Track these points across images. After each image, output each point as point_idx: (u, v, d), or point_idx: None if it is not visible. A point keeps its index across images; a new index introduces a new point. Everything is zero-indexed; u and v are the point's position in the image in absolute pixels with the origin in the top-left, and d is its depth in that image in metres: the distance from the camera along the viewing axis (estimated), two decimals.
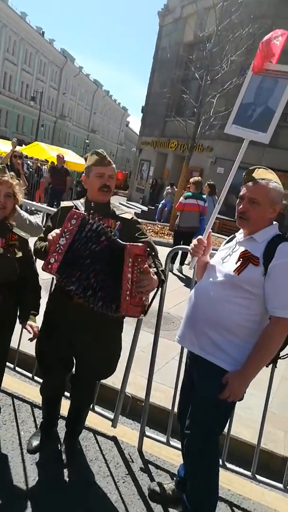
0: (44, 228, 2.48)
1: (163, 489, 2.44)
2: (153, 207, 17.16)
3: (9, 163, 6.11)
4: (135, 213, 15.80)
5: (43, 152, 17.34)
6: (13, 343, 2.84)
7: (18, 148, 8.38)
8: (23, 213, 2.87)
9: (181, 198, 7.73)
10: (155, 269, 2.13)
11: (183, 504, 2.20)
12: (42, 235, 2.36)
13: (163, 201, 15.98)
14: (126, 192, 28.18)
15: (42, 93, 41.43)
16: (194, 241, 2.27)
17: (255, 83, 2.21)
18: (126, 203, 22.69)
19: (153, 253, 2.14)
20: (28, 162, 12.88)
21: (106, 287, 2.04)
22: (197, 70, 13.89)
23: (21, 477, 2.36)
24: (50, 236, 2.08)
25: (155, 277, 2.05)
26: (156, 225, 13.05)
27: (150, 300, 2.10)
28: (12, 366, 3.21)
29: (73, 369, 2.56)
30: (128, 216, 2.33)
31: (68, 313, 2.25)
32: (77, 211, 2.10)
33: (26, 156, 13.53)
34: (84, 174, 2.33)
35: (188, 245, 2.36)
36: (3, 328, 2.29)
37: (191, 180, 7.75)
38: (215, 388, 2.00)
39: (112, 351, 2.43)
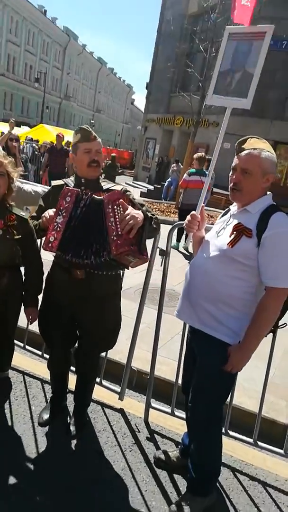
0: None
1: (168, 457, 2.55)
2: (159, 186, 16.99)
3: (4, 146, 5.90)
4: (141, 192, 15.78)
5: (49, 134, 17.23)
6: (22, 323, 2.95)
7: (16, 131, 8.05)
8: (26, 186, 2.88)
9: (185, 175, 7.70)
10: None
11: (188, 470, 2.30)
12: (34, 214, 2.42)
13: (169, 179, 15.84)
14: (132, 171, 27.93)
15: (46, 73, 40.89)
16: (188, 217, 2.30)
17: (230, 49, 2.18)
18: (133, 182, 22.52)
19: (132, 198, 2.17)
20: (34, 145, 12.80)
21: (96, 242, 2.09)
22: (202, 42, 13.54)
23: (33, 448, 2.49)
24: (45, 215, 2.15)
25: (139, 213, 2.08)
26: (162, 203, 13.00)
27: (142, 238, 2.12)
28: (21, 344, 3.33)
29: (76, 344, 2.65)
30: (118, 187, 2.34)
31: (68, 289, 2.33)
32: (70, 188, 2.16)
33: (31, 139, 13.49)
34: (71, 152, 2.34)
35: None
36: (9, 309, 2.37)
37: (194, 156, 7.70)
38: (216, 360, 2.05)
39: (112, 323, 2.52)
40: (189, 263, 2.34)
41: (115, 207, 2.06)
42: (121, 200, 2.07)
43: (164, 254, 2.78)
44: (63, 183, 2.38)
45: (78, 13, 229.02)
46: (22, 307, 2.58)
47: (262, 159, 1.92)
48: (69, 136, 11.80)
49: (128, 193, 2.24)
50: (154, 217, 2.24)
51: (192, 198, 7.23)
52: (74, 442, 2.61)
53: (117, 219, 2.04)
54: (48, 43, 52.56)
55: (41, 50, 51.41)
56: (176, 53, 19.65)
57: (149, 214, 2.19)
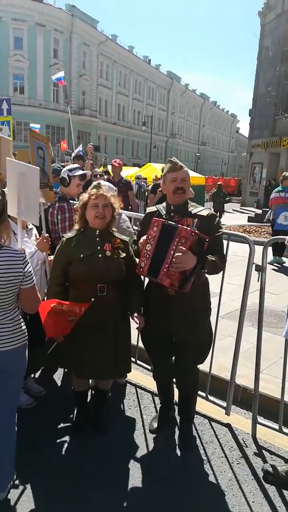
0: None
1: (276, 471, 2.53)
2: (268, 209, 16.54)
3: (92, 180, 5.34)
4: (248, 217, 15.55)
5: (156, 171, 18.32)
6: (133, 340, 3.26)
7: (126, 171, 7.09)
8: (127, 224, 3.29)
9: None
10: (212, 258, 2.39)
11: None
12: (135, 238, 2.75)
13: None
14: (240, 198, 27.68)
15: (152, 117, 43.71)
16: None
17: None
18: (240, 208, 22.36)
19: (204, 243, 2.33)
20: (142, 182, 13.80)
21: (157, 260, 2.38)
22: None
23: (145, 451, 2.72)
24: (140, 241, 2.50)
25: (191, 258, 2.28)
26: (269, 226, 12.61)
27: (188, 278, 2.34)
28: (133, 360, 3.64)
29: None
30: (204, 212, 2.54)
31: (161, 305, 2.57)
32: (157, 219, 2.44)
33: (140, 177, 14.52)
34: (162, 182, 2.64)
35: None
36: (119, 320, 2.67)
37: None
38: None
39: (204, 337, 2.68)
40: None
41: (181, 241, 2.29)
42: (185, 236, 2.29)
43: (260, 269, 2.86)
44: (156, 209, 2.67)
45: (180, 56, 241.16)
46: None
47: None
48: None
49: (215, 219, 2.49)
50: (211, 260, 2.39)
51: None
52: (181, 449, 2.76)
53: (175, 253, 2.29)
54: (153, 89, 56.37)
55: (147, 96, 55.37)
56: (278, 77, 19.49)
57: (210, 258, 2.38)
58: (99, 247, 2.55)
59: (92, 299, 2.49)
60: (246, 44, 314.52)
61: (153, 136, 44.14)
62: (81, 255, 2.49)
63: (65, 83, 10.44)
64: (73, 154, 9.15)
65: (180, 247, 2.29)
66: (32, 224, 3.02)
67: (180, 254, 2.28)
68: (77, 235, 2.61)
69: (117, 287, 2.60)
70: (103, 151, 45.29)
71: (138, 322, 2.62)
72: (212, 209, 14.44)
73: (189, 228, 2.33)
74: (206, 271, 2.48)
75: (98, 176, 5.55)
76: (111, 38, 45.47)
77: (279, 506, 2.35)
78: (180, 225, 2.35)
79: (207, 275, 2.65)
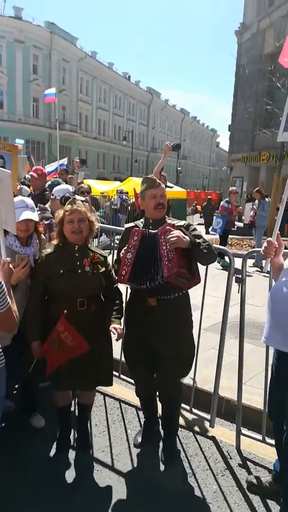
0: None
1: (260, 482, 2.56)
2: (249, 222, 16.88)
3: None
4: (231, 230, 15.76)
5: (137, 185, 18.46)
6: (116, 354, 3.26)
7: (108, 186, 6.84)
8: None
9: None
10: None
11: (282, 498, 2.29)
12: (116, 257, 2.78)
13: None
14: None
15: (132, 131, 44.23)
16: (265, 243, 2.45)
17: None
18: None
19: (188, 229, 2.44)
20: (124, 196, 13.88)
21: (152, 269, 2.41)
22: (279, 79, 13.75)
23: (129, 466, 2.71)
24: (122, 252, 2.55)
25: (185, 236, 2.34)
26: (251, 239, 12.85)
27: (192, 262, 2.38)
28: (117, 374, 3.63)
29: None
30: (181, 223, 2.63)
31: (143, 316, 2.60)
32: (137, 228, 2.53)
33: (122, 191, 14.59)
34: (140, 198, 2.71)
35: None
36: (101, 334, 2.67)
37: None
38: None
39: (184, 349, 2.70)
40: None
41: (165, 236, 2.37)
42: (169, 227, 2.38)
43: (240, 281, 2.92)
44: (133, 224, 2.75)
45: (160, 72, 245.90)
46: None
47: None
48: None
49: (191, 226, 2.52)
50: (205, 243, 2.46)
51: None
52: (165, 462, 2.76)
53: (168, 246, 2.34)
54: (133, 104, 57.16)
55: (128, 111, 56.05)
56: (255, 94, 20.07)
57: (200, 241, 2.43)
58: (78, 263, 2.58)
59: (65, 311, 2.48)
60: (224, 61, 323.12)
61: (134, 150, 44.59)
62: (61, 271, 2.50)
63: (56, 100, 10.42)
64: (55, 166, 9.14)
65: (166, 237, 2.36)
66: None
67: (173, 236, 2.33)
68: (56, 251, 2.63)
69: (97, 301, 2.63)
70: (83, 165, 45.53)
71: (115, 332, 2.63)
72: (203, 220, 14.39)
73: (165, 224, 2.43)
74: (205, 250, 2.45)
75: (86, 193, 5.52)
76: (90, 55, 46.05)
77: None
78: (158, 229, 2.45)
79: (188, 290, 2.67)
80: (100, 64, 48.48)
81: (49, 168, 9.54)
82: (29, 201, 2.89)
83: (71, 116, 43.87)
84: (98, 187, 17.04)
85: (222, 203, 9.68)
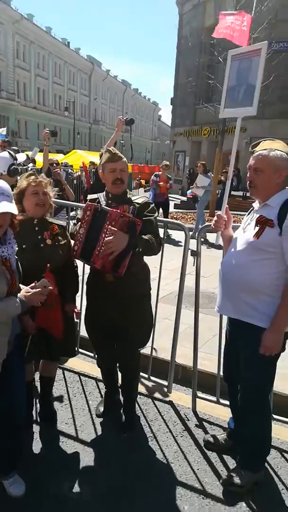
0: None
1: (216, 439, 2.76)
2: (192, 196, 17.26)
3: (51, 174, 5.16)
4: (174, 204, 16.07)
5: (82, 158, 18.07)
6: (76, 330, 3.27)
7: (53, 158, 6.39)
8: None
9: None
10: (145, 237, 2.45)
11: (238, 448, 2.50)
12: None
13: None
14: None
15: (74, 102, 42.72)
16: (215, 217, 2.55)
17: (234, 68, 2.47)
18: None
19: (136, 227, 2.38)
20: (69, 170, 13.54)
21: (90, 244, 2.43)
22: (220, 53, 13.86)
23: (93, 435, 2.80)
24: (75, 228, 2.55)
25: (123, 238, 2.33)
26: (195, 213, 13.20)
27: (121, 260, 2.37)
28: (75, 348, 3.66)
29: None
30: (140, 200, 2.63)
31: (102, 291, 2.62)
32: (90, 203, 2.49)
33: (66, 164, 14.22)
34: (100, 171, 2.67)
35: None
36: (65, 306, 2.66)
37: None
38: (256, 346, 2.21)
39: (144, 322, 2.79)
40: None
41: (111, 223, 2.35)
42: (116, 218, 2.35)
43: (196, 254, 3.04)
44: (96, 197, 2.70)
45: (99, 41, 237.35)
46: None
47: (271, 158, 2.14)
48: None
49: (149, 206, 2.56)
50: (144, 239, 2.45)
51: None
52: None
53: (105, 236, 2.35)
54: (74, 73, 54.91)
55: (68, 80, 53.77)
56: (197, 67, 20.11)
57: (144, 238, 2.44)
58: (39, 236, 2.52)
59: (48, 264, 2.36)
60: (166, 32, 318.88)
61: (76, 122, 43.25)
62: (23, 246, 2.41)
63: None
64: None
65: (110, 227, 2.35)
66: None
67: (111, 236, 2.33)
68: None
69: (63, 271, 2.60)
70: (23, 136, 43.42)
71: (72, 311, 2.64)
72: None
73: (119, 211, 2.38)
74: (141, 250, 2.45)
75: (54, 164, 5.34)
76: (26, 17, 43.27)
77: (221, 470, 2.57)
78: (111, 209, 2.40)
79: (146, 262, 2.74)
80: (37, 27, 45.73)
81: None
82: (5, 185, 1.95)
83: (8, 83, 41.32)
84: (40, 159, 16.44)
85: (152, 177, 10.26)
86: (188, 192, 13.10)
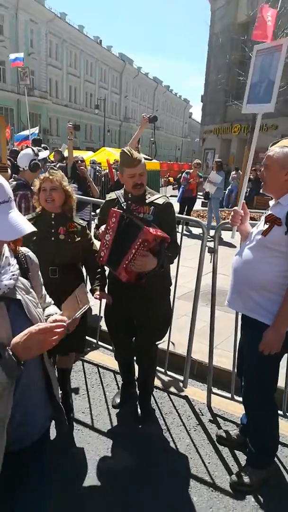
0: None
1: (229, 435, 2.80)
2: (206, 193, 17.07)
3: (77, 170, 5.12)
4: (202, 202, 16.01)
5: (112, 156, 18.24)
6: (95, 323, 3.39)
7: (82, 155, 6.23)
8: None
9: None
10: (169, 254, 2.52)
11: (247, 446, 2.53)
12: (98, 223, 2.82)
13: (230, 186, 15.90)
14: None
15: (105, 99, 43.08)
16: (232, 213, 2.58)
17: (258, 63, 2.46)
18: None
19: (165, 244, 2.43)
20: (97, 167, 13.70)
21: (117, 253, 2.45)
22: (251, 50, 13.67)
23: (108, 424, 2.89)
24: (100, 229, 2.60)
25: (152, 261, 2.39)
26: (223, 210, 13.11)
27: (145, 274, 2.45)
28: (94, 341, 3.78)
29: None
30: (160, 201, 2.64)
31: (123, 289, 2.67)
32: (115, 210, 2.51)
33: (95, 161, 14.39)
34: (119, 172, 2.66)
35: None
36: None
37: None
38: (259, 343, 2.23)
39: (162, 318, 2.85)
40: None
41: (143, 243, 2.35)
42: (145, 243, 2.35)
43: (213, 251, 3.07)
44: (115, 196, 2.74)
45: (132, 39, 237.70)
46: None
47: (279, 155, 2.13)
48: None
49: (171, 208, 2.61)
50: (169, 256, 2.54)
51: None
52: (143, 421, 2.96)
53: (136, 254, 2.36)
54: (105, 71, 55.36)
55: (99, 78, 54.29)
56: (228, 64, 19.87)
57: (169, 255, 2.51)
58: (53, 230, 2.63)
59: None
60: (198, 29, 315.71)
61: (107, 119, 43.58)
62: (34, 238, 2.50)
63: (23, 65, 9.61)
64: (26, 135, 8.92)
65: (142, 249, 2.35)
66: None
67: (142, 257, 2.36)
68: (35, 217, 2.67)
69: (71, 270, 2.68)
70: (55, 134, 44.16)
71: (101, 299, 2.70)
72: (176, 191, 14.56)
73: (152, 230, 2.34)
74: (164, 267, 2.53)
75: (79, 161, 5.33)
76: (59, 16, 43.95)
77: (232, 465, 2.61)
78: (145, 227, 2.35)
79: None
80: (70, 26, 46.36)
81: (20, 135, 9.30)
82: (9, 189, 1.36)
83: (40, 81, 42.13)
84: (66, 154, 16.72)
85: (183, 174, 10.74)
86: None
